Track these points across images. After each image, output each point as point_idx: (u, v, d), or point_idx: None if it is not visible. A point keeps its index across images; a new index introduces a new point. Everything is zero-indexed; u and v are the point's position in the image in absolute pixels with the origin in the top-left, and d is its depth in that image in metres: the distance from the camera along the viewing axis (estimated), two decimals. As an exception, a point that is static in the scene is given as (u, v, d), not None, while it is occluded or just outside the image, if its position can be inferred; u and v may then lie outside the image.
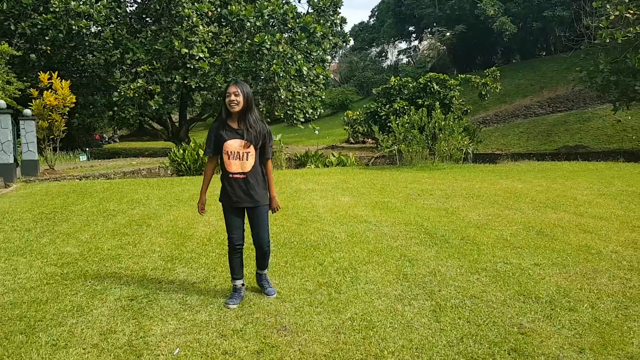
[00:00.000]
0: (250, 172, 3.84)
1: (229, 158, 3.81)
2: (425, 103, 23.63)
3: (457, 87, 25.99)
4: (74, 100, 15.25)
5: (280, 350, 3.13)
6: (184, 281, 4.47)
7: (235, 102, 3.74)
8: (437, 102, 18.98)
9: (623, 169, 13.14)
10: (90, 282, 4.44)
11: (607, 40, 17.49)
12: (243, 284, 4.07)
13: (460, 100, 26.23)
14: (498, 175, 12.58)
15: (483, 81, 26.71)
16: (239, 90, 3.75)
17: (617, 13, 17.56)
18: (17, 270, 4.79)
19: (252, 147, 3.81)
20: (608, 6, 18.10)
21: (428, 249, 5.49)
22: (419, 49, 61.23)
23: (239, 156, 3.80)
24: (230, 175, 3.84)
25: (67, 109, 14.89)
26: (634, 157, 18.56)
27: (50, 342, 3.23)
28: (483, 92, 26.92)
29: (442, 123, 15.97)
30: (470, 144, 18.41)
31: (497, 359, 2.98)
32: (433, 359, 3.00)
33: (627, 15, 17.41)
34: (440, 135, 16.01)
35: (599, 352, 3.09)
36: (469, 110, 26.73)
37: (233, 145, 3.79)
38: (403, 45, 61.53)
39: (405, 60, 61.88)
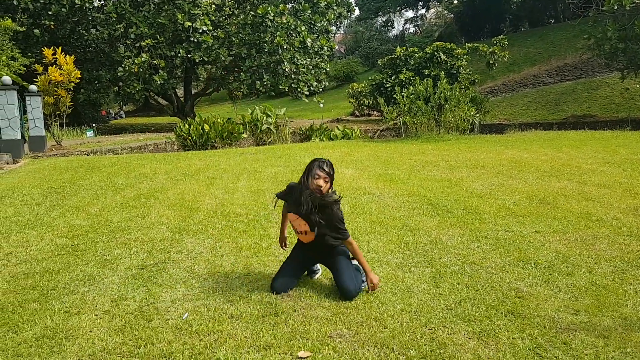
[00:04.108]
0: (318, 243, 3.63)
1: (294, 228, 3.69)
2: (432, 73, 23.42)
3: (465, 57, 25.72)
4: (79, 76, 15.28)
5: (284, 314, 3.24)
6: (191, 251, 4.59)
7: (321, 189, 3.45)
8: (443, 72, 18.79)
9: (629, 138, 13.08)
10: (100, 252, 4.57)
11: (615, 7, 17.19)
12: None
13: (468, 70, 25.98)
14: (504, 145, 12.58)
15: (491, 50, 26.41)
16: (329, 177, 3.47)
17: (626, -22, 17.21)
18: (28, 242, 4.93)
19: (309, 228, 3.57)
20: (617, -29, 17.72)
21: (430, 218, 5.57)
22: (426, 18, 60.35)
23: (298, 230, 3.65)
24: (299, 237, 3.74)
25: (72, 84, 14.94)
26: (641, 125, 18.42)
27: (63, 309, 3.36)
28: (491, 61, 26.65)
29: (448, 93, 15.87)
30: (477, 115, 18.35)
31: (493, 321, 3.08)
32: (431, 321, 3.10)
33: (637, -20, 17.06)
34: (446, 106, 15.94)
35: (593, 313, 3.18)
36: (476, 80, 26.50)
37: (296, 222, 3.61)
38: (409, 14, 60.72)
39: (411, 29, 61.12)
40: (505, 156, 10.25)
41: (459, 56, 25.41)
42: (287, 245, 4.06)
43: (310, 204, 3.43)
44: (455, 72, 24.94)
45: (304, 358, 2.71)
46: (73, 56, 15.40)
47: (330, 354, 2.74)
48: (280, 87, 23.47)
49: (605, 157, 9.66)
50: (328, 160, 3.51)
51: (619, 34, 18.06)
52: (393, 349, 2.77)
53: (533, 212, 5.66)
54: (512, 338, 2.87)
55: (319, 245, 3.65)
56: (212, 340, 2.91)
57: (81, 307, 3.40)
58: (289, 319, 3.18)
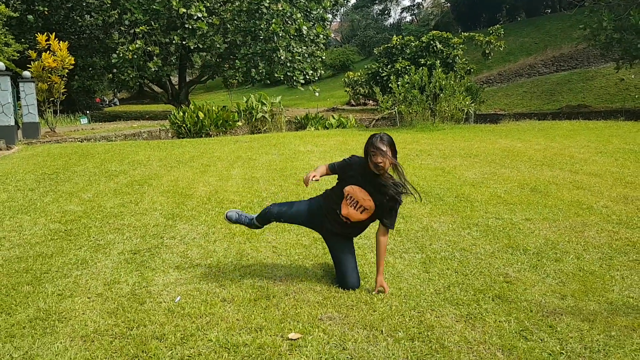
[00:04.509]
0: (357, 223, 3.46)
1: (345, 200, 3.39)
2: (428, 62, 23.37)
3: (461, 46, 25.65)
4: (73, 62, 15.18)
5: (276, 297, 3.28)
6: (184, 236, 4.62)
7: (381, 164, 3.22)
8: (438, 61, 18.77)
9: (622, 128, 13.15)
10: (93, 237, 4.59)
11: (612, -3, 17.18)
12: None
13: (464, 59, 25.94)
14: (498, 135, 12.62)
15: (487, 39, 26.38)
16: (388, 150, 3.22)
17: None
18: (22, 227, 4.94)
19: (374, 206, 3.34)
20: (614, -39, 17.70)
21: (422, 206, 5.61)
22: (423, 7, 60.11)
23: (356, 205, 3.36)
24: (338, 212, 3.43)
25: (66, 70, 14.84)
26: (635, 115, 18.51)
27: (56, 292, 3.39)
28: (487, 51, 26.64)
29: (443, 83, 15.85)
30: (472, 104, 18.34)
31: (481, 305, 3.13)
32: (420, 304, 3.15)
33: (633, -30, 17.06)
34: (441, 95, 15.92)
35: (580, 298, 3.24)
36: (472, 70, 26.47)
37: (357, 194, 3.34)
38: (406, 2, 60.60)
39: (408, 18, 60.89)
40: (498, 145, 10.30)
41: (455, 45, 25.35)
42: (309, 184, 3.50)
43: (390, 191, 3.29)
44: (451, 61, 24.89)
45: (295, 339, 2.75)
46: (67, 42, 15.29)
47: (320, 335, 2.78)
48: (276, 75, 23.38)
49: (598, 146, 9.72)
50: (383, 134, 3.30)
51: (614, 24, 18.07)
52: (382, 331, 2.82)
53: (524, 200, 5.72)
54: (499, 321, 2.92)
55: (354, 228, 3.49)
56: (204, 322, 2.95)
57: (74, 290, 3.42)
58: (281, 302, 3.22)
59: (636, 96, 23.14)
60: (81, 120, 22.88)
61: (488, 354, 2.58)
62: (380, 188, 3.31)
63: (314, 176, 3.41)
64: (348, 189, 3.38)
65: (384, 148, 3.21)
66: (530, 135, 12.08)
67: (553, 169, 7.54)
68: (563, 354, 2.59)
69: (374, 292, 3.35)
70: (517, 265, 3.79)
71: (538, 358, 2.54)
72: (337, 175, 3.55)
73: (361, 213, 3.38)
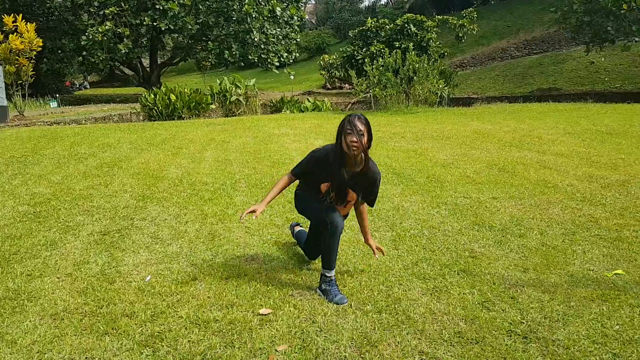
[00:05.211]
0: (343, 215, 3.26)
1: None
2: (402, 46, 23.40)
3: (435, 29, 25.74)
4: (41, 44, 14.76)
5: (247, 276, 3.32)
6: (155, 218, 4.60)
7: (355, 144, 2.96)
8: (411, 44, 18.82)
9: (591, 110, 13.45)
10: (63, 219, 4.54)
11: (582, -20, 17.43)
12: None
13: (438, 42, 26.04)
14: (469, 117, 12.79)
15: (460, 22, 26.52)
16: (365, 131, 2.99)
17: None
18: (-11, 210, 4.86)
19: (355, 196, 3.18)
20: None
21: (394, 187, 5.69)
22: (397, -10, 59.89)
23: (346, 202, 3.20)
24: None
25: (34, 52, 14.45)
26: (603, 98, 18.90)
27: (25, 272, 3.36)
28: (460, 34, 26.80)
29: (417, 66, 15.93)
30: (446, 88, 18.48)
31: (446, 278, 3.22)
32: (388, 279, 3.23)
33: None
34: (415, 78, 16.01)
35: (541, 271, 3.36)
36: (445, 53, 26.60)
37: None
38: (381, -15, 60.10)
39: (383, 1, 60.62)
40: (469, 128, 10.45)
41: (429, 28, 25.42)
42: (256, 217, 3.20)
43: (350, 181, 3.09)
44: (425, 44, 24.98)
45: (265, 314, 2.80)
46: (34, 24, 14.86)
47: (290, 310, 2.84)
48: (250, 57, 23.12)
49: (566, 128, 9.95)
50: (361, 115, 3.04)
51: (584, 7, 18.36)
52: (351, 305, 2.89)
53: (492, 180, 5.85)
54: (463, 293, 3.02)
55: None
56: (174, 300, 2.97)
57: (43, 270, 3.40)
58: (253, 280, 3.26)
59: (605, 79, 23.62)
60: (51, 104, 22.30)
61: (451, 324, 2.67)
62: (356, 179, 3.11)
63: (252, 211, 3.05)
64: (323, 187, 3.17)
65: (362, 127, 2.96)
66: (501, 118, 12.27)
67: (521, 150, 7.70)
68: (523, 323, 2.69)
69: (376, 257, 3.40)
70: (483, 241, 3.90)
71: (499, 327, 2.64)
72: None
73: (345, 207, 3.21)
